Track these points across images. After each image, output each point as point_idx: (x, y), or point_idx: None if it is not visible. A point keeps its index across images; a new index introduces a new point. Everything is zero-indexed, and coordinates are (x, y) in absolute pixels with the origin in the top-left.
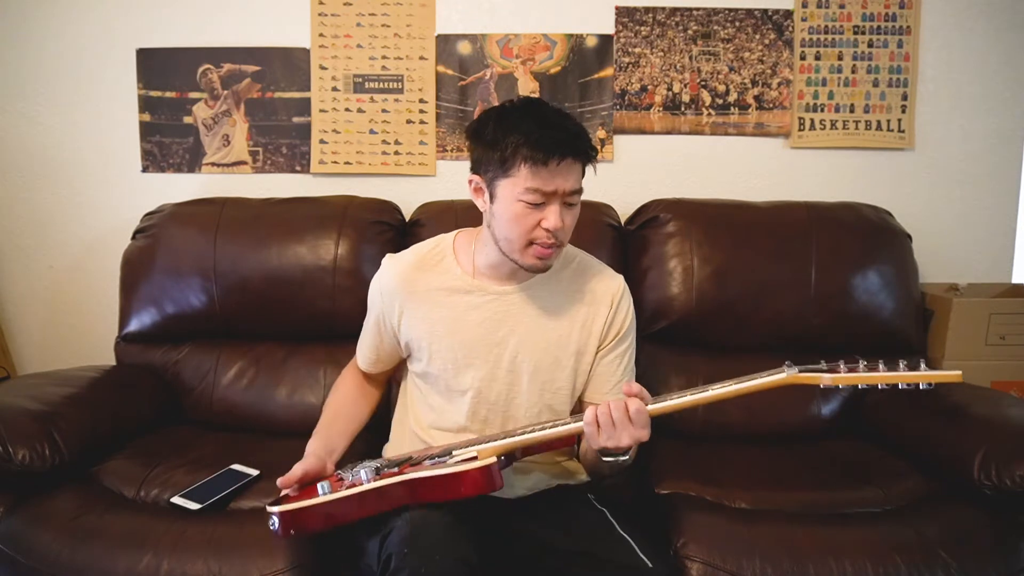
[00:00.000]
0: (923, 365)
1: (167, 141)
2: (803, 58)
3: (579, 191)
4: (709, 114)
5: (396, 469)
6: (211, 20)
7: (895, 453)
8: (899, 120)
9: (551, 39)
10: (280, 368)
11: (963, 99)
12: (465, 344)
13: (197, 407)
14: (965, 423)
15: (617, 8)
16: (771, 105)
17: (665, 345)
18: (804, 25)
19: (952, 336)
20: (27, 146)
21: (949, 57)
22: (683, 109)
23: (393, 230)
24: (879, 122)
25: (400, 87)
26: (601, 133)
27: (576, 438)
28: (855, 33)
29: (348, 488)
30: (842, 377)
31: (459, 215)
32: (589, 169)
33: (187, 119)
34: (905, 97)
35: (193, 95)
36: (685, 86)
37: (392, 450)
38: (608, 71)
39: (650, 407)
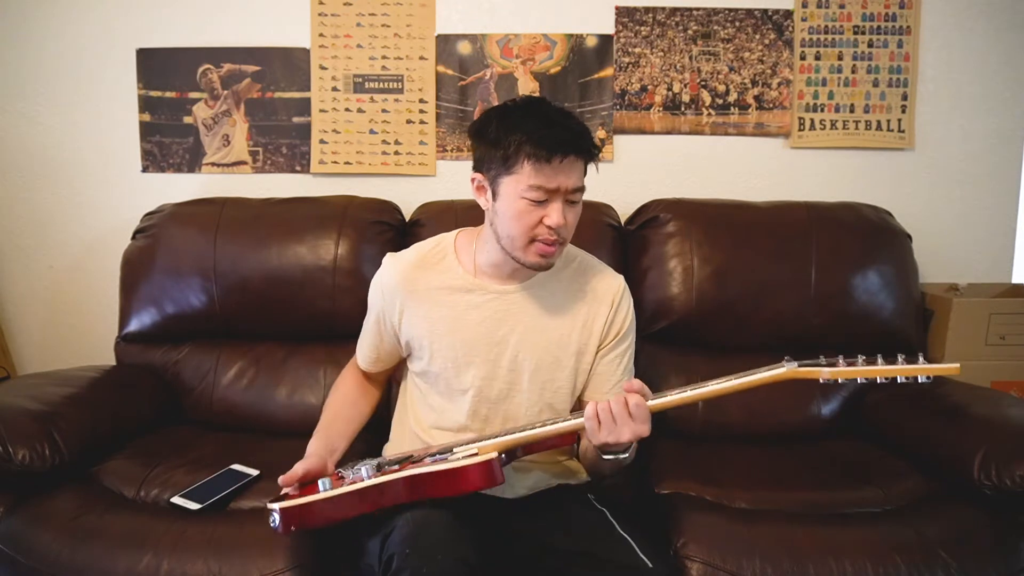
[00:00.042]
0: (921, 359)
1: (167, 141)
2: (803, 58)
3: (581, 189)
4: (709, 114)
5: (397, 467)
6: (211, 20)
7: (895, 453)
8: (899, 120)
9: (551, 39)
10: (280, 368)
11: (963, 99)
12: (466, 343)
13: (197, 407)
14: (965, 423)
15: (617, 8)
16: (771, 105)
17: (665, 345)
18: (804, 25)
19: (952, 336)
20: (27, 146)
21: (949, 57)
22: (683, 109)
23: (393, 230)
24: (879, 122)
25: (400, 87)
26: (601, 133)
27: (576, 437)
28: (855, 33)
29: (349, 485)
30: (841, 371)
31: (459, 215)
32: (591, 168)
33: (187, 119)
34: (905, 97)
35: (193, 95)
36: (685, 86)
37: (392, 450)
38: (608, 71)
39: (650, 403)
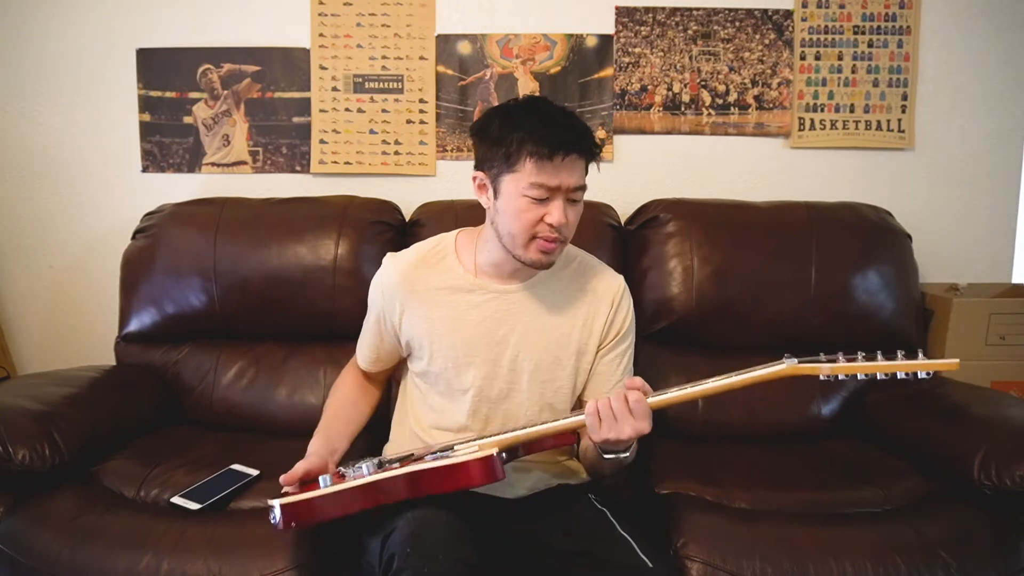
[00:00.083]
0: (921, 355)
1: (167, 141)
2: (803, 58)
3: (583, 188)
4: (709, 114)
5: (398, 464)
6: (211, 20)
7: (895, 453)
8: (899, 120)
9: (551, 39)
10: (280, 368)
11: (963, 99)
12: (466, 343)
13: (197, 407)
14: (965, 423)
15: (617, 8)
16: (771, 105)
17: (665, 345)
18: (804, 25)
19: (952, 336)
20: (27, 146)
21: (949, 57)
22: (683, 109)
23: (393, 230)
24: (879, 122)
25: (400, 87)
26: (601, 133)
27: (577, 437)
28: (855, 33)
29: (350, 481)
30: (841, 367)
31: (459, 215)
32: (592, 168)
33: (187, 119)
34: (905, 97)
35: (193, 95)
36: (685, 86)
37: (392, 450)
38: (608, 71)
39: (650, 400)
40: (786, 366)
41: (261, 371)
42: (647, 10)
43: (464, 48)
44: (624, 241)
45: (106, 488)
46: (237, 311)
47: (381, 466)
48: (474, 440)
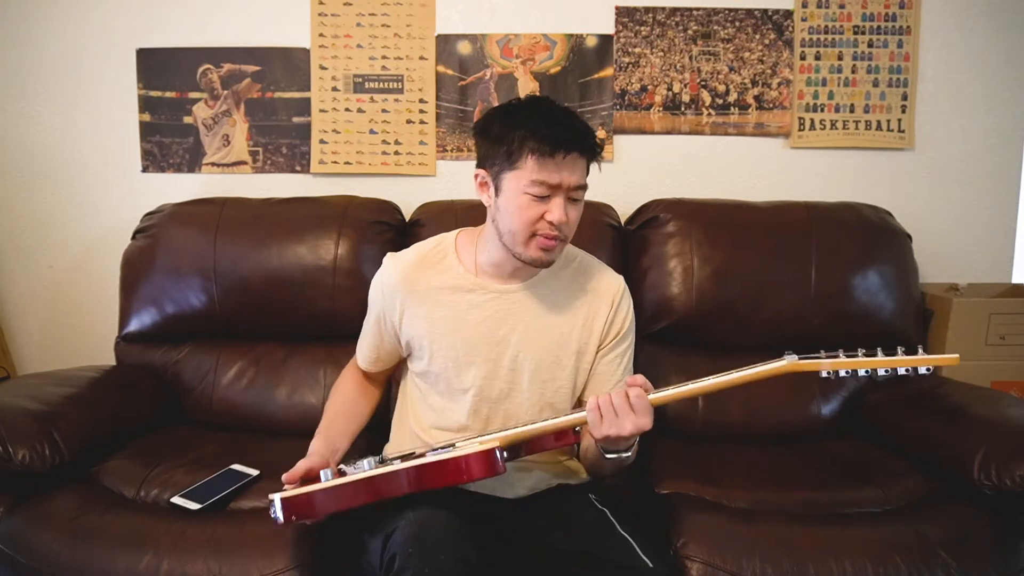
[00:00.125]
0: (920, 350)
1: (167, 141)
2: (803, 58)
3: (583, 187)
4: (709, 114)
5: (399, 461)
6: (211, 20)
7: (895, 453)
8: (899, 120)
9: (551, 39)
10: (280, 368)
11: (963, 99)
12: (466, 342)
13: (197, 407)
14: (965, 423)
15: (617, 8)
16: (771, 105)
17: (665, 345)
18: (804, 25)
19: (952, 336)
20: (27, 146)
21: (949, 57)
22: (683, 109)
23: (393, 230)
24: (879, 122)
25: (400, 87)
26: (601, 133)
27: (577, 437)
28: (855, 33)
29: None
30: (842, 362)
31: (459, 215)
32: (593, 168)
33: (187, 119)
34: (905, 97)
35: (193, 95)
36: (685, 86)
37: (392, 450)
38: (608, 71)
39: (651, 396)
40: (787, 362)
41: (261, 371)
42: (647, 10)
43: (464, 48)
44: (624, 241)
45: (106, 488)
46: (237, 311)
47: (382, 463)
48: (475, 439)
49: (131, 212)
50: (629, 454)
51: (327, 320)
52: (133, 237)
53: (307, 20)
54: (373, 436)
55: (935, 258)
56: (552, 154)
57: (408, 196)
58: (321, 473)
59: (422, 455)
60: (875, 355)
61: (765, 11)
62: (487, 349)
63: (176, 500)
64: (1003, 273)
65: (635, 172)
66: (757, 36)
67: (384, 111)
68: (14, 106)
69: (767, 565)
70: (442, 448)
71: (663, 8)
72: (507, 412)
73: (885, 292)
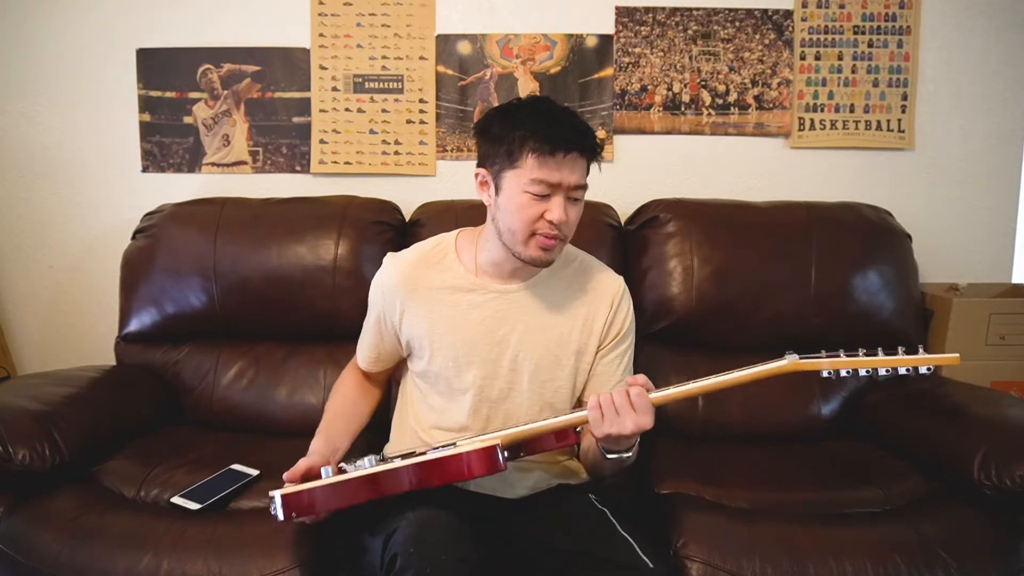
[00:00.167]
0: (921, 350)
1: (167, 141)
2: (803, 58)
3: (583, 187)
4: (709, 114)
5: (399, 459)
6: (211, 20)
7: (895, 453)
8: (899, 120)
9: (551, 39)
10: (280, 368)
11: (963, 99)
12: (466, 342)
13: (197, 407)
14: (965, 423)
15: (617, 8)
16: (771, 105)
17: (665, 345)
18: (804, 25)
19: (952, 336)
20: (27, 146)
21: (949, 57)
22: (683, 109)
23: (393, 230)
24: (879, 122)
25: (400, 87)
26: (601, 133)
27: (578, 438)
28: (855, 33)
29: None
30: (843, 362)
31: (459, 215)
32: (593, 168)
33: (187, 119)
34: (905, 97)
35: (193, 95)
36: (685, 86)
37: (392, 450)
38: (608, 71)
39: (652, 395)
40: (788, 362)
41: (261, 371)
42: (647, 10)
43: (464, 48)
44: (624, 241)
45: (106, 488)
46: (237, 311)
47: (383, 462)
48: (475, 439)
49: (131, 212)
50: (630, 454)
51: (327, 320)
52: (133, 237)
53: (307, 20)
54: (373, 436)
55: (935, 258)
56: (552, 153)
57: (408, 196)
58: (322, 470)
59: (423, 454)
60: (876, 355)
61: (765, 11)
62: (487, 349)
63: (176, 500)
64: (1003, 273)
65: (635, 172)
66: (757, 36)
67: (384, 111)
68: (14, 106)
69: (767, 565)
70: (443, 447)
71: (663, 8)
72: (507, 412)
73: (885, 292)
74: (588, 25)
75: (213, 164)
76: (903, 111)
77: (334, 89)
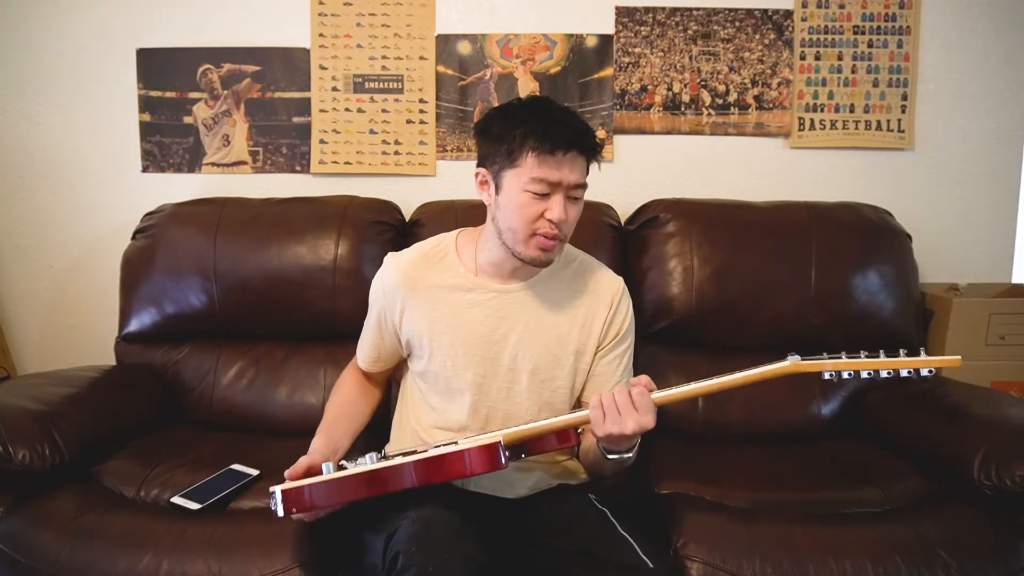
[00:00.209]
0: (923, 352)
1: (167, 141)
2: (803, 58)
3: (583, 186)
4: (709, 114)
5: (400, 457)
6: (211, 20)
7: (895, 453)
8: (899, 120)
9: (551, 39)
10: (280, 368)
11: (963, 99)
12: (465, 341)
13: (197, 407)
14: (965, 423)
15: (617, 8)
16: (771, 105)
17: (665, 345)
18: (804, 25)
19: (952, 336)
20: (27, 146)
21: (949, 57)
22: (683, 109)
23: (393, 230)
24: (879, 122)
25: (400, 87)
26: (601, 133)
27: (579, 439)
28: (855, 33)
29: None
30: (845, 363)
31: (459, 215)
32: (592, 168)
33: (187, 119)
34: (905, 97)
35: (193, 95)
36: (685, 86)
37: (393, 449)
38: (608, 71)
39: (654, 395)
40: (790, 363)
41: (261, 371)
42: (647, 10)
43: (464, 48)
44: (624, 241)
45: (106, 488)
46: (237, 311)
47: (384, 459)
48: (476, 437)
49: (131, 212)
50: (630, 455)
51: (327, 320)
52: (133, 237)
53: (307, 20)
54: (374, 436)
55: (935, 258)
56: (552, 152)
57: (408, 196)
58: (323, 466)
59: (424, 452)
60: (878, 357)
61: (765, 11)
62: (486, 348)
63: (176, 500)
64: (1003, 273)
65: (635, 172)
66: (757, 36)
67: (384, 111)
68: (14, 106)
69: (767, 565)
70: (444, 446)
71: (663, 8)
72: (506, 412)
73: (885, 292)
74: (588, 25)
75: (213, 164)
76: (903, 111)
77: (334, 89)
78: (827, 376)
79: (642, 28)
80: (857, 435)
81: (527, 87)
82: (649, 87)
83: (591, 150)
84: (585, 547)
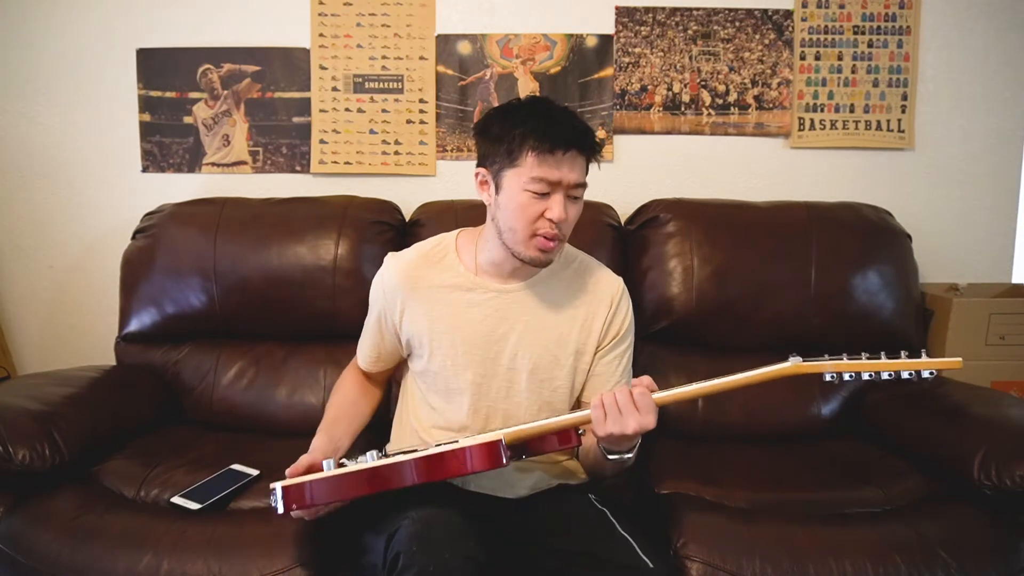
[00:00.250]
0: (924, 354)
1: (167, 141)
2: (803, 58)
3: (583, 185)
4: (709, 114)
5: (401, 455)
6: (211, 20)
7: (895, 453)
8: (899, 120)
9: (551, 39)
10: (280, 368)
11: (963, 99)
12: (465, 341)
13: (197, 407)
14: (965, 423)
15: (617, 8)
16: (771, 105)
17: (665, 345)
18: (804, 25)
19: (952, 336)
20: (27, 146)
21: (949, 57)
22: (683, 109)
23: (393, 230)
24: (879, 122)
25: (400, 87)
26: (601, 133)
27: (579, 440)
28: (855, 33)
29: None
30: (846, 364)
31: (459, 215)
32: (592, 168)
33: (187, 119)
34: (905, 97)
35: (193, 95)
36: (685, 86)
37: (393, 448)
38: (608, 71)
39: (655, 395)
40: (791, 364)
41: (261, 371)
42: (647, 10)
43: (464, 48)
44: (624, 241)
45: (106, 488)
46: (237, 311)
47: (385, 457)
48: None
49: (131, 212)
50: (631, 455)
51: (327, 320)
52: (133, 237)
53: (307, 20)
54: (374, 436)
55: (935, 258)
56: (552, 151)
57: (408, 196)
58: (324, 463)
59: (424, 450)
60: (879, 358)
61: (765, 11)
62: (486, 348)
63: (176, 500)
64: (1003, 273)
65: (635, 172)
66: (757, 36)
67: (384, 111)
68: (14, 106)
69: (767, 565)
70: (445, 444)
71: (663, 8)
72: (506, 412)
73: (885, 292)
74: (588, 25)
75: (213, 164)
76: (903, 111)
77: (334, 89)
78: (828, 378)
79: (642, 28)
80: (857, 435)
81: (527, 87)
82: (649, 87)
83: (591, 149)
84: (585, 547)
